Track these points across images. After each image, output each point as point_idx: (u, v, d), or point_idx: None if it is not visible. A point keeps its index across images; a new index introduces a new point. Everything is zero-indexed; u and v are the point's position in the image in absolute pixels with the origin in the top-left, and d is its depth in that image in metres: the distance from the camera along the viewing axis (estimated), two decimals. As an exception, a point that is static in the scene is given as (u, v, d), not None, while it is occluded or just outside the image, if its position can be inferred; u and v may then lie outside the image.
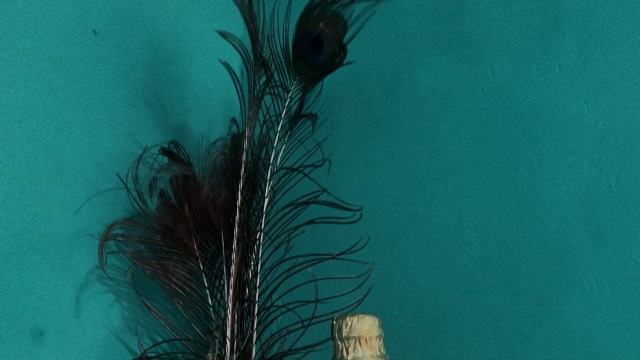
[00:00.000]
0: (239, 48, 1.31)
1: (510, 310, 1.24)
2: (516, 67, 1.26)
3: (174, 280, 1.35)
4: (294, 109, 1.34)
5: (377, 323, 1.04)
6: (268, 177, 1.33)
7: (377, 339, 1.04)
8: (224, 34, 1.30)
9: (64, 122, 1.34)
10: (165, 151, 1.33)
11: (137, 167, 1.36)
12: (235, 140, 1.38)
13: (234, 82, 1.36)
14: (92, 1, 1.38)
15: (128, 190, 1.35)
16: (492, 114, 1.28)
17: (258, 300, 1.32)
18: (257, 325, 1.32)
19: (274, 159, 1.33)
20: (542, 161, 1.23)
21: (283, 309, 1.31)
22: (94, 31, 1.37)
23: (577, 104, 1.20)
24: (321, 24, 1.27)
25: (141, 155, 1.36)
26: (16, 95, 1.30)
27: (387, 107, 1.38)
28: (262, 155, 1.35)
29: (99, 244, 1.33)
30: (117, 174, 1.35)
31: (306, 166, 1.31)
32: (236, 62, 1.36)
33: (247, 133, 1.33)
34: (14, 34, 1.30)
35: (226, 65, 1.34)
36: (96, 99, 1.38)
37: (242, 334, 1.31)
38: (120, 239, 1.35)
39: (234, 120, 1.40)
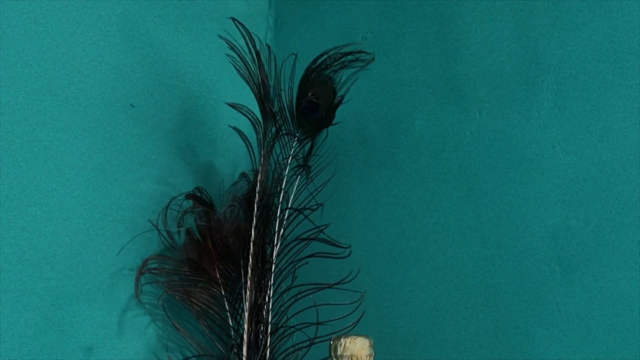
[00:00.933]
0: (247, 115, 1.38)
1: (490, 331, 1.28)
2: (500, 111, 1.30)
3: (200, 304, 1.39)
4: (303, 150, 1.39)
5: (367, 344, 1.09)
6: (278, 215, 1.38)
7: (368, 358, 1.09)
8: (233, 105, 1.36)
9: (106, 175, 1.41)
10: (189, 196, 1.40)
11: (166, 213, 1.42)
12: (250, 184, 1.43)
13: (243, 140, 1.42)
14: (128, 78, 1.44)
15: (159, 232, 1.41)
16: (478, 154, 1.32)
17: (271, 322, 1.37)
18: (270, 343, 1.36)
19: (283, 198, 1.38)
20: (520, 198, 1.26)
21: (291, 330, 1.35)
22: (131, 104, 1.42)
23: (552, 146, 1.24)
24: (309, 94, 1.33)
25: (168, 204, 1.42)
26: (69, 153, 1.36)
27: (386, 148, 1.43)
28: (275, 195, 1.39)
29: (135, 277, 1.39)
30: (150, 220, 1.41)
31: (306, 208, 1.36)
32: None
33: (259, 177, 1.39)
34: (63, 102, 1.36)
35: (236, 129, 1.41)
36: (135, 152, 1.44)
37: (257, 348, 1.36)
38: (154, 271, 1.41)
39: (243, 175, 1.46)
